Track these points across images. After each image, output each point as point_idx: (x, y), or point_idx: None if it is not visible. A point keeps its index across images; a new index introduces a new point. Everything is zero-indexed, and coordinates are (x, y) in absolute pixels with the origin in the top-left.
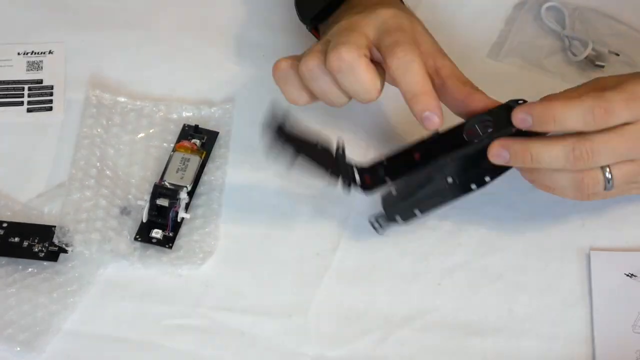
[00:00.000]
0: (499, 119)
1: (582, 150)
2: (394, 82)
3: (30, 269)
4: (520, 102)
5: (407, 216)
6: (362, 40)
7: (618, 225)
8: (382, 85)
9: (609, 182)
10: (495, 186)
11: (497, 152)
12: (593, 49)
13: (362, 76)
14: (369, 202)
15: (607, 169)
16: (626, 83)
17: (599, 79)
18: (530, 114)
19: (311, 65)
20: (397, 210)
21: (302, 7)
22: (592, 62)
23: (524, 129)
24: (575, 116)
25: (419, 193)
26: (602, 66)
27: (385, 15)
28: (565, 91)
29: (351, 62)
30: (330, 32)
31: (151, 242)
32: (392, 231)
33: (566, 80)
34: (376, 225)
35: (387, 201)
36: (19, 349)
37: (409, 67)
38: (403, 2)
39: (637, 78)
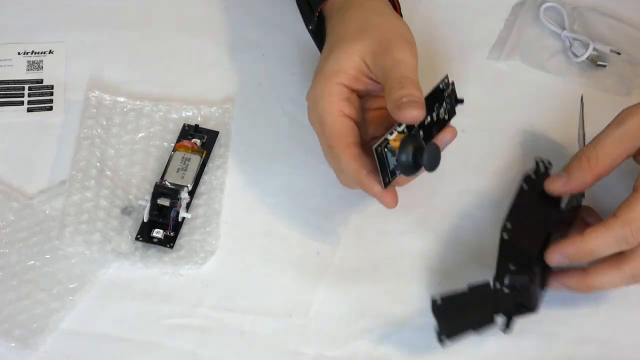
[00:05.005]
0: None
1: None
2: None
3: (31, 262)
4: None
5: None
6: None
7: None
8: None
9: None
10: (496, 186)
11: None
12: (594, 49)
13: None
14: (370, 201)
15: None
16: None
17: (625, 120)
18: (566, 256)
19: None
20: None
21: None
22: (594, 62)
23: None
24: (611, 246)
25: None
26: (604, 65)
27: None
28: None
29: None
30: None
31: (152, 242)
32: (392, 231)
33: (568, 81)
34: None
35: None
36: (13, 344)
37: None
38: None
39: None
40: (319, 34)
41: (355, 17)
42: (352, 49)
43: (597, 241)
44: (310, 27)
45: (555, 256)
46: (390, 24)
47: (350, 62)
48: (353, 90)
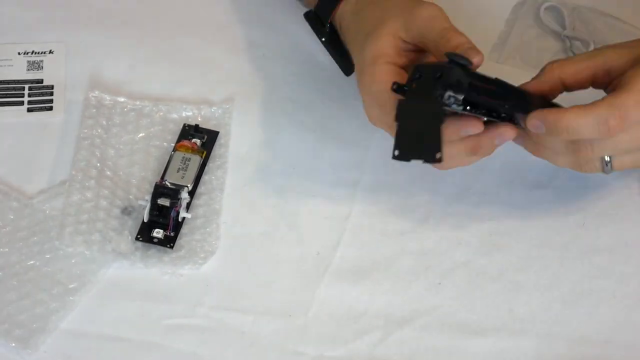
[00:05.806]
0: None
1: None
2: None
3: (31, 262)
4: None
5: None
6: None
7: (618, 225)
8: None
9: (607, 165)
10: (496, 186)
11: (535, 123)
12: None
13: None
14: (369, 202)
15: (608, 160)
16: (637, 79)
17: (605, 57)
18: (543, 122)
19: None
20: None
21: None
22: None
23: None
24: (590, 127)
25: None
26: None
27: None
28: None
29: None
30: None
31: (152, 242)
32: (392, 231)
33: None
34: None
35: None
36: (14, 344)
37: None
38: None
39: None
40: (334, 43)
41: (372, 12)
42: (383, 32)
43: (579, 119)
44: (323, 39)
45: (534, 120)
46: (407, 1)
47: (386, 42)
48: (400, 67)
